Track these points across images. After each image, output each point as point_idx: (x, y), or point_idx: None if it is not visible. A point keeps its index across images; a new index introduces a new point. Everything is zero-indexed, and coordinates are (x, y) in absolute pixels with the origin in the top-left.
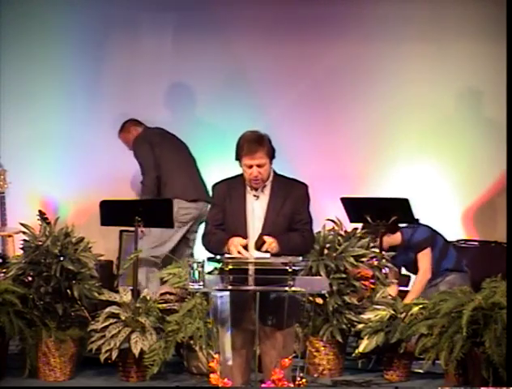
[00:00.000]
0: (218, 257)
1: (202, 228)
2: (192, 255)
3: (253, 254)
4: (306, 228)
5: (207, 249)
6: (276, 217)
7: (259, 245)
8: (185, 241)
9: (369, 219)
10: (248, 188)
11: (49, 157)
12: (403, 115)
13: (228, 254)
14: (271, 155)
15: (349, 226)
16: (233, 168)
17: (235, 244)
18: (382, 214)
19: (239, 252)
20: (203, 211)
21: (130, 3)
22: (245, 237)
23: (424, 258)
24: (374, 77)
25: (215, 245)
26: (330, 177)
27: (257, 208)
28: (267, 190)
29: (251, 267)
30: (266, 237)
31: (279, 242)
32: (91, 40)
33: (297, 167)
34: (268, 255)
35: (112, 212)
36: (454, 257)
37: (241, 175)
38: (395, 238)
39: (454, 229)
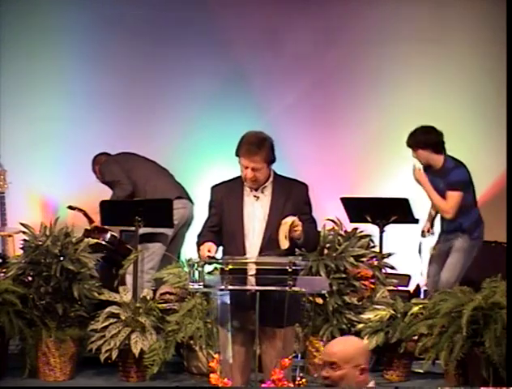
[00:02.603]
0: (218, 257)
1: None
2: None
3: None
4: (312, 226)
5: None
6: (279, 217)
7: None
8: (174, 242)
9: (368, 219)
10: (247, 189)
11: (48, 157)
12: (403, 115)
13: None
14: (269, 159)
15: (349, 226)
16: (232, 169)
17: (202, 249)
18: (382, 214)
19: (207, 257)
20: (191, 211)
21: (129, 4)
22: (242, 238)
23: (452, 199)
24: (374, 77)
25: (198, 248)
26: (330, 177)
27: (257, 209)
28: (268, 191)
29: (251, 267)
30: (291, 218)
31: (303, 230)
32: (91, 40)
33: (297, 167)
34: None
35: (112, 212)
36: (475, 218)
37: (240, 177)
38: (437, 160)
39: None
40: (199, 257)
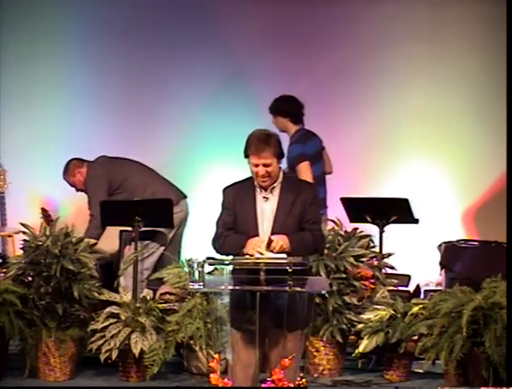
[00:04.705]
0: (219, 258)
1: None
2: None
3: (268, 255)
4: (315, 227)
5: (220, 251)
6: (286, 218)
7: (267, 245)
8: (173, 244)
9: (368, 219)
10: (257, 190)
11: (49, 157)
12: (403, 115)
13: (244, 255)
14: (278, 155)
15: (349, 226)
16: (233, 169)
17: (253, 245)
18: (382, 214)
19: (259, 252)
20: (186, 210)
21: (129, 5)
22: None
23: (301, 170)
24: (374, 78)
25: (230, 247)
26: (330, 176)
27: (266, 210)
28: (276, 192)
29: (253, 268)
30: (273, 236)
31: (291, 241)
32: (92, 41)
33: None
34: (284, 255)
35: (112, 212)
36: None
37: (250, 178)
38: (292, 129)
39: (454, 229)
40: (247, 252)
